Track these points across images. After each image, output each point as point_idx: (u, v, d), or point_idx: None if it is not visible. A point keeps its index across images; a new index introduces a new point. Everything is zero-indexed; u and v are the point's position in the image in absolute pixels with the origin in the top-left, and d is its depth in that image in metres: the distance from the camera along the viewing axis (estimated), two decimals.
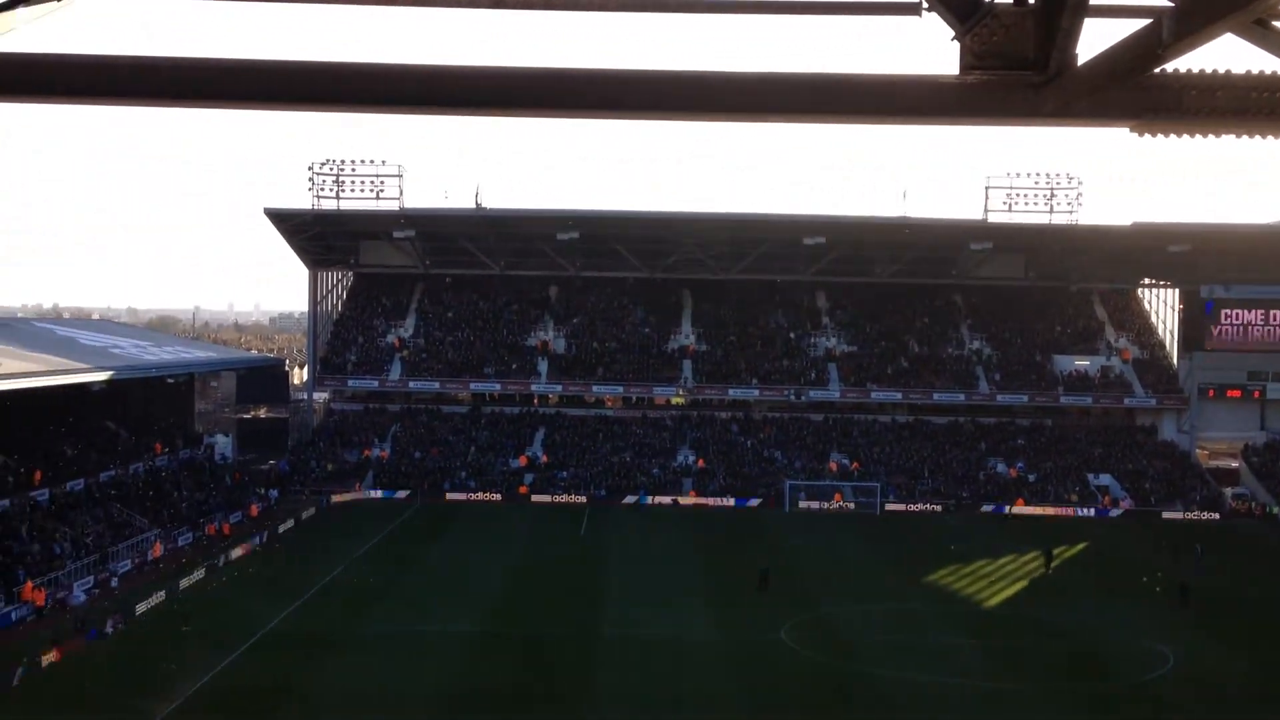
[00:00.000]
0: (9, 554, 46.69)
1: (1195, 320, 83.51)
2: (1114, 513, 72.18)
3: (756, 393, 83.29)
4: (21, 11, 6.44)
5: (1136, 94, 6.61)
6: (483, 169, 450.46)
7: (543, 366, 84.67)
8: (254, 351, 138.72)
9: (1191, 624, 44.54)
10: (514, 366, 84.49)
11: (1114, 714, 35.04)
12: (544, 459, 77.86)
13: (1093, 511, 72.38)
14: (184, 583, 48.23)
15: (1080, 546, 61.67)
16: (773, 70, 6.71)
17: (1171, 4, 5.94)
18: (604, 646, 40.21)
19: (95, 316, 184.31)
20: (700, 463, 77.33)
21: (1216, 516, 71.99)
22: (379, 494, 73.19)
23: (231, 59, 6.36)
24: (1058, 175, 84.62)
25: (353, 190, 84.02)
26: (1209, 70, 6.54)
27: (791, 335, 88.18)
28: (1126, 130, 6.93)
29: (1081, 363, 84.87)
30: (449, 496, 72.43)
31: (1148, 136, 6.78)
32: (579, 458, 78.13)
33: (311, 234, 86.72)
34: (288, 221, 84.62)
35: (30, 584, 44.38)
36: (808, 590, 49.53)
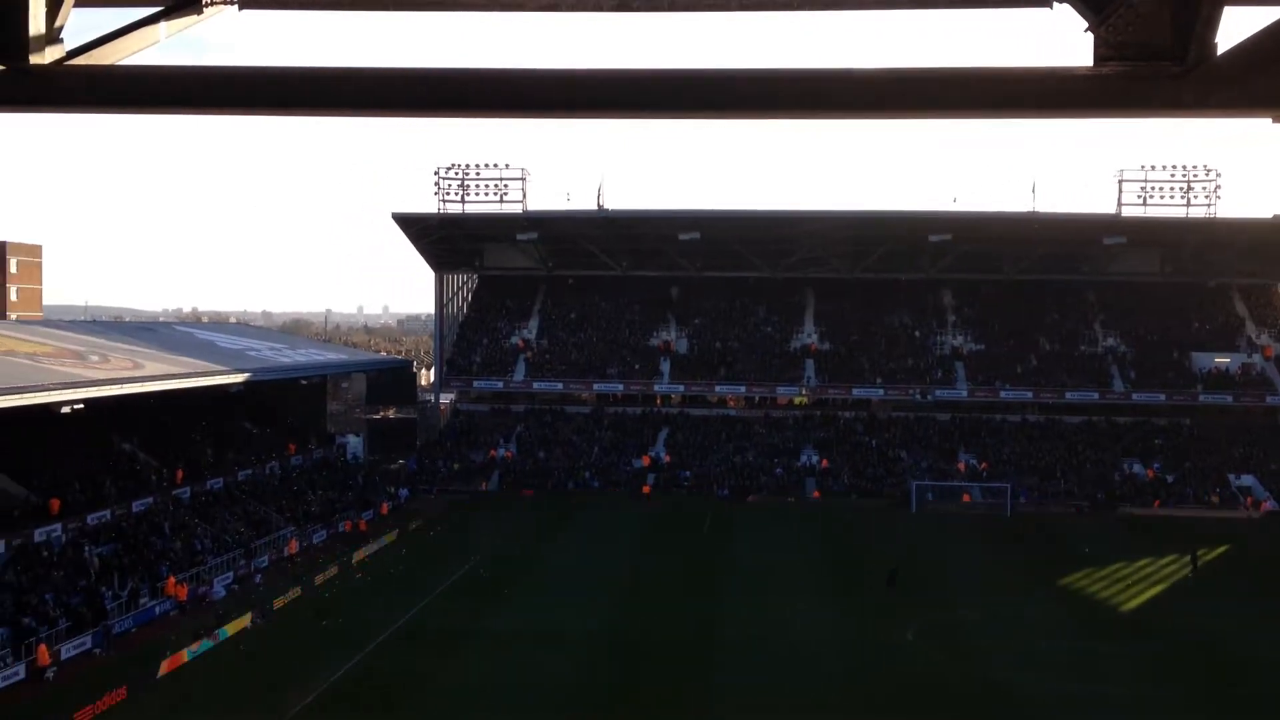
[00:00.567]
0: (152, 550, 48.51)
1: None
2: (1256, 515, 69.50)
3: (881, 392, 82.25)
4: (164, 25, 6.67)
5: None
6: (605, 169, 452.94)
7: (665, 367, 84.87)
8: (383, 353, 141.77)
9: None
10: (636, 367, 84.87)
11: None
12: (667, 459, 78.07)
13: (1235, 513, 69.74)
14: (318, 579, 49.55)
15: (1222, 549, 59.45)
16: (898, 66, 6.61)
17: None
18: (726, 646, 40.10)
19: (232, 320, 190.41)
20: (824, 463, 76.67)
21: None
22: (504, 493, 74.15)
23: (361, 68, 6.50)
24: (1194, 167, 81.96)
25: (477, 194, 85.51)
26: None
27: (916, 333, 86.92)
28: (1269, 121, 6.67)
29: (1221, 360, 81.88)
30: (573, 496, 73.08)
31: None
32: (702, 457, 78.12)
33: (437, 237, 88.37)
34: (414, 226, 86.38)
35: (172, 579, 46.03)
36: (937, 591, 48.72)
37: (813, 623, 43.29)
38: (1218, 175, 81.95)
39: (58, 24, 6.13)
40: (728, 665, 37.91)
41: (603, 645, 40.08)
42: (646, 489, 73.94)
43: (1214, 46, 6.45)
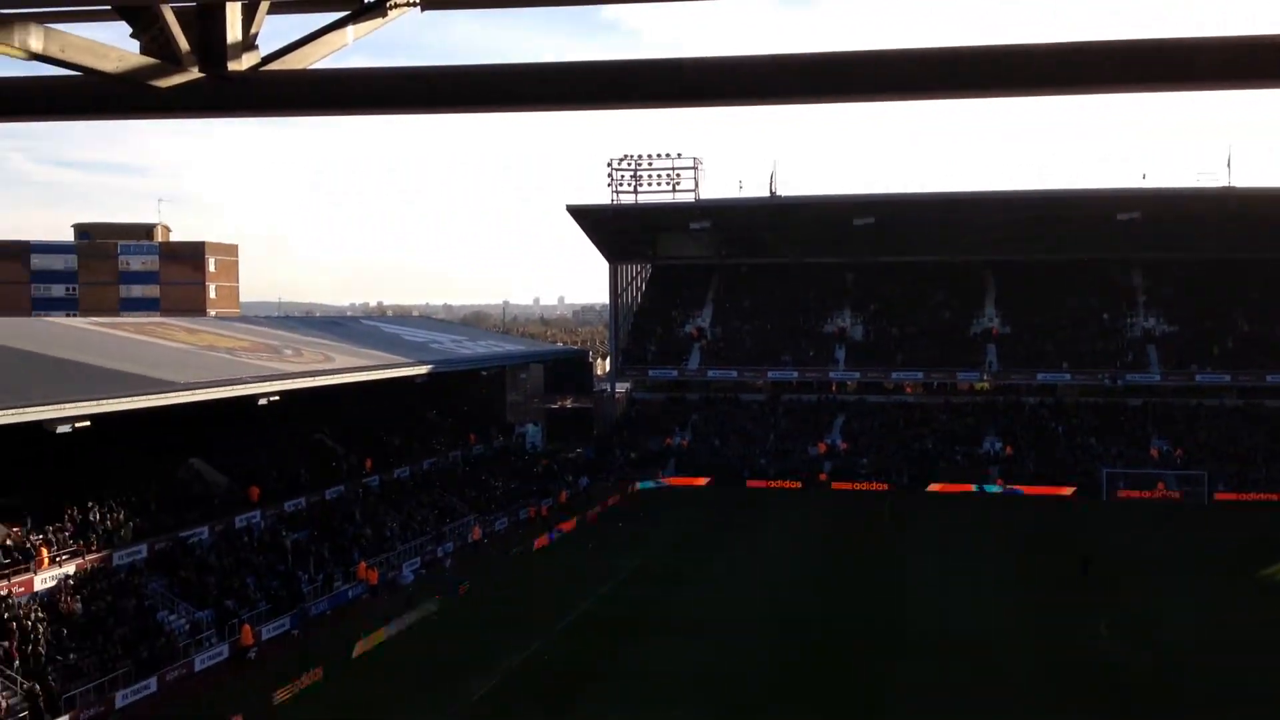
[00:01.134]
0: (345, 536, 50.44)
1: None
2: None
3: (1068, 377, 79.45)
4: (351, 28, 6.85)
5: None
6: (778, 157, 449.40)
7: (840, 354, 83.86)
8: (559, 344, 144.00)
9: None
10: (811, 354, 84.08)
11: None
12: (843, 446, 77.18)
13: None
14: (499, 566, 50.70)
15: None
16: (1093, 39, 6.29)
17: None
18: (907, 636, 39.45)
19: (415, 314, 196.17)
20: (1009, 450, 74.57)
21: None
22: (681, 481, 74.50)
23: (542, 63, 6.54)
24: None
25: (650, 184, 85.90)
26: None
27: (1105, 316, 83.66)
28: None
29: None
30: (749, 484, 72.88)
31: None
32: (879, 445, 76.95)
33: (611, 228, 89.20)
34: (589, 217, 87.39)
35: (364, 564, 47.80)
36: (1130, 582, 46.89)
37: (997, 613, 42.20)
38: None
39: (253, 31, 6.35)
40: (911, 654, 37.28)
41: (778, 635, 39.89)
42: (823, 476, 73.25)
43: None
